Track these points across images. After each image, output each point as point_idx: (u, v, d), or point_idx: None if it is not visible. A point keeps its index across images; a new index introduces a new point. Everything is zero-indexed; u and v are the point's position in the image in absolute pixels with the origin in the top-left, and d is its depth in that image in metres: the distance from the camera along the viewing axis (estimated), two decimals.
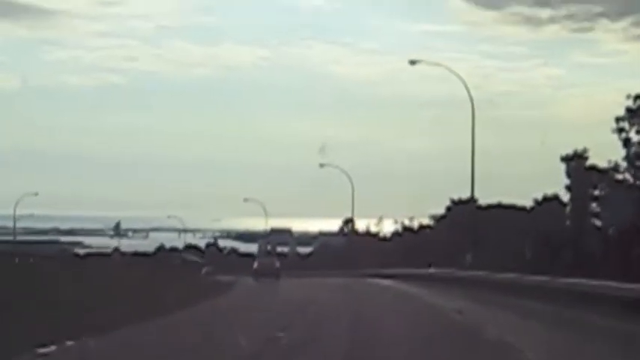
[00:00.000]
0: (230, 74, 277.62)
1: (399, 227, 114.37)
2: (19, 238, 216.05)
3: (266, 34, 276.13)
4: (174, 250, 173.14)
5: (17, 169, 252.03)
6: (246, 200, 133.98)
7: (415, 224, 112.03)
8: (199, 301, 40.94)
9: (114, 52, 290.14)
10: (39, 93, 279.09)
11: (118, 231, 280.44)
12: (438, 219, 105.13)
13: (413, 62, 66.25)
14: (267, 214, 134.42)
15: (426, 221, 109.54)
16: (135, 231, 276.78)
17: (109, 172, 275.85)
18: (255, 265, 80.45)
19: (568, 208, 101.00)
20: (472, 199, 69.91)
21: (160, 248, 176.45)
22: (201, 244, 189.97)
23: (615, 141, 68.49)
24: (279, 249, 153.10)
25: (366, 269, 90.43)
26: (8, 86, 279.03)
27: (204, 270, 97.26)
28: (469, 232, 70.43)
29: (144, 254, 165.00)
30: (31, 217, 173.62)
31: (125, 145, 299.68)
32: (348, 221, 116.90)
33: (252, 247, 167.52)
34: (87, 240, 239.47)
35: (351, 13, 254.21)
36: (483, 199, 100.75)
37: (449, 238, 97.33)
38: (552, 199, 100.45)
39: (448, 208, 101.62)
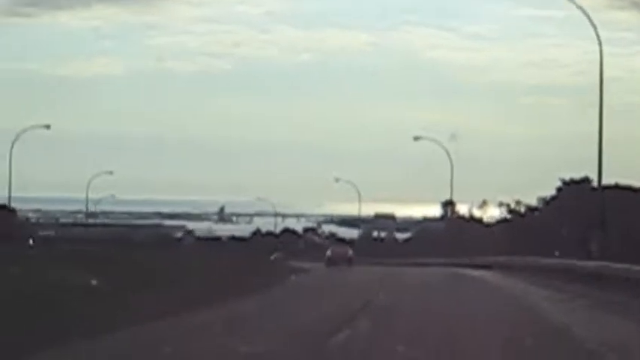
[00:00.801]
0: (334, 59, 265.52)
1: (504, 211, 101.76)
2: (125, 222, 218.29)
3: (371, 19, 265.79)
4: (270, 234, 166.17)
5: (119, 154, 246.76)
6: (337, 180, 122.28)
7: (522, 208, 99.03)
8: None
9: (219, 38, 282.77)
10: (143, 78, 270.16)
11: (222, 215, 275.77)
12: (548, 201, 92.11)
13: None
14: (362, 199, 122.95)
15: (534, 204, 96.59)
16: (239, 215, 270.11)
17: (212, 157, 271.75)
18: (329, 252, 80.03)
19: None
20: (598, 178, 54.26)
21: (256, 232, 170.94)
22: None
23: None
24: (381, 234, 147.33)
25: (466, 257, 78.22)
26: (119, 71, 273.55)
27: (273, 256, 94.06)
28: (593, 214, 56.78)
29: (241, 239, 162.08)
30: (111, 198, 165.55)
31: (229, 131, 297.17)
32: (448, 203, 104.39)
33: (355, 233, 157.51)
34: (191, 225, 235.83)
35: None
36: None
37: (562, 222, 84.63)
38: None
39: (559, 189, 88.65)
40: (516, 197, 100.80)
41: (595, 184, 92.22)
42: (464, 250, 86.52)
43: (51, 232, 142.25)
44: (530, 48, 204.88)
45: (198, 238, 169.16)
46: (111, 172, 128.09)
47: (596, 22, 47.22)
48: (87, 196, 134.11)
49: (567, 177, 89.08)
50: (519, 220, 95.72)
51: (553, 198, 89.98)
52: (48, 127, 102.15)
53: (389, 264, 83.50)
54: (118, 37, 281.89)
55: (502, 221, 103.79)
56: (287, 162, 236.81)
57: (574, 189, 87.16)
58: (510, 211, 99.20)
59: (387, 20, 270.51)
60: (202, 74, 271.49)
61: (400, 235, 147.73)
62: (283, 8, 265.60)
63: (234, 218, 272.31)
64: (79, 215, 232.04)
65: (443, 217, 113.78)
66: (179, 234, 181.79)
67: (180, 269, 42.33)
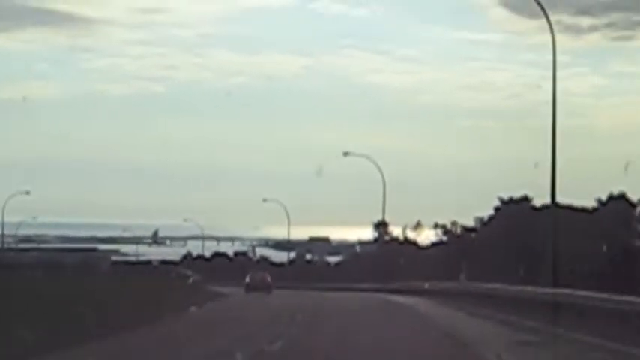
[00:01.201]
0: (270, 83, 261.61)
1: (439, 232, 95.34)
2: (58, 245, 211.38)
3: (306, 43, 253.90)
4: (200, 257, 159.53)
5: (50, 177, 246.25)
6: (265, 201, 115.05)
7: (458, 229, 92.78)
8: None
9: (154, 61, 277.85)
10: (78, 102, 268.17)
11: (155, 239, 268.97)
12: (485, 222, 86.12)
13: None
14: (298, 222, 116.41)
15: (471, 224, 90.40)
16: (173, 239, 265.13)
17: (146, 180, 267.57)
18: (247, 279, 79.12)
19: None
20: (553, 203, 46.07)
21: (187, 256, 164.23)
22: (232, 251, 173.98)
23: None
24: (311, 257, 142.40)
25: (398, 281, 71.97)
26: (54, 94, 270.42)
27: (190, 279, 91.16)
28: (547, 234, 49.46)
29: (172, 262, 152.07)
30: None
31: (163, 154, 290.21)
32: (380, 224, 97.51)
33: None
34: (124, 248, 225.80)
35: (392, 22, 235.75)
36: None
37: (500, 243, 78.76)
38: (618, 199, 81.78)
39: (497, 209, 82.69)
40: (452, 219, 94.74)
41: (534, 203, 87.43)
42: (396, 274, 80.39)
43: None
44: (465, 70, 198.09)
45: (127, 262, 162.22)
46: (28, 193, 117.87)
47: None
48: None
49: (506, 197, 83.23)
50: (455, 241, 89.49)
51: (491, 218, 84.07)
52: None
53: (316, 288, 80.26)
54: (53, 60, 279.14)
55: (437, 243, 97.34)
56: (221, 185, 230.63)
57: (513, 208, 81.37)
58: (446, 232, 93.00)
59: (322, 44, 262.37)
60: (137, 97, 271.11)
61: (332, 259, 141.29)
62: (217, 32, 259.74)
63: (167, 242, 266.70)
64: (9, 240, 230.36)
65: (376, 240, 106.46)
66: (114, 257, 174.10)
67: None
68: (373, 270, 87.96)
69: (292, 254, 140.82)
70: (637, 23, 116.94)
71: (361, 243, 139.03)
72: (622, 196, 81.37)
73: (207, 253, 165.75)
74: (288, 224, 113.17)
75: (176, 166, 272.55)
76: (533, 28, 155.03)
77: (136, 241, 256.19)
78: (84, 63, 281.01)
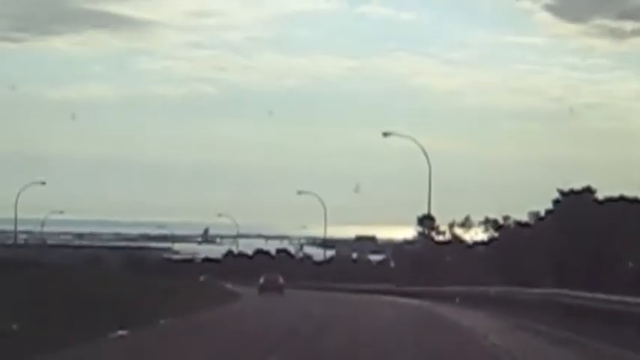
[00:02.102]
0: (317, 85, 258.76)
1: (490, 228, 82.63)
2: (112, 244, 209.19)
3: (354, 46, 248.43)
4: (243, 255, 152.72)
5: (107, 177, 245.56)
6: (299, 193, 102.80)
7: (511, 225, 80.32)
8: None
9: (205, 63, 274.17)
10: (132, 103, 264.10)
11: (206, 237, 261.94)
12: (542, 217, 73.61)
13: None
14: (346, 222, 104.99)
15: (524, 219, 77.74)
16: (223, 237, 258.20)
17: (196, 180, 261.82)
18: (261, 280, 77.24)
19: None
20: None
21: (228, 254, 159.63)
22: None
23: None
24: (354, 255, 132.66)
25: (438, 284, 59.82)
26: (109, 95, 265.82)
27: (202, 277, 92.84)
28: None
29: (214, 260, 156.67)
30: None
31: (213, 154, 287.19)
32: (425, 218, 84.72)
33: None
34: (176, 246, 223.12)
35: (438, 25, 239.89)
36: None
37: (558, 239, 66.55)
38: None
39: (556, 201, 70.19)
40: (504, 213, 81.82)
41: (598, 195, 75.04)
42: (443, 274, 68.49)
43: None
44: (510, 73, 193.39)
45: (174, 261, 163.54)
46: (43, 183, 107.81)
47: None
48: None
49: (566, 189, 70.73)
50: (509, 237, 76.71)
51: (549, 212, 71.46)
52: None
53: (347, 290, 71.47)
54: (108, 62, 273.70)
55: (489, 241, 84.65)
56: (270, 185, 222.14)
57: (572, 200, 69.05)
58: (498, 227, 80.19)
59: (369, 47, 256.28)
60: (189, 98, 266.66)
61: (374, 257, 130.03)
62: (266, 35, 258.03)
63: (217, 239, 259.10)
64: (67, 237, 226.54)
65: (421, 234, 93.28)
66: (165, 255, 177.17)
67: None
68: (414, 270, 76.29)
69: (332, 252, 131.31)
70: None
71: (407, 242, 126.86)
72: None
73: (250, 251, 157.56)
74: (325, 221, 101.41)
75: (226, 165, 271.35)
76: (575, 32, 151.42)
77: (187, 239, 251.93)
78: (138, 65, 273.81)
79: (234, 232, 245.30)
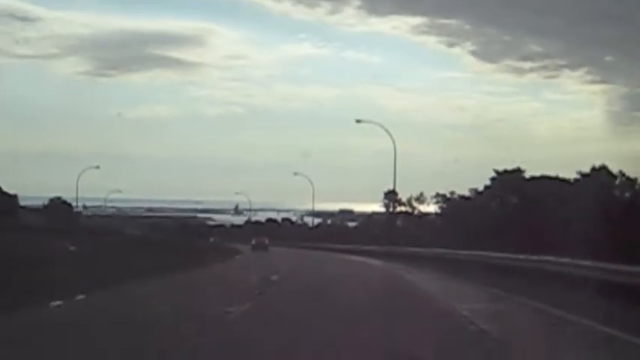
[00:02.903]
0: (316, 107, 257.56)
1: (440, 201, 72.24)
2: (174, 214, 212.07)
3: (338, 78, 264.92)
4: (257, 222, 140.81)
5: (166, 169, 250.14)
6: (295, 174, 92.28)
7: (456, 198, 69.90)
8: None
9: (237, 91, 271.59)
10: (186, 119, 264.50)
11: (236, 210, 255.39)
12: (481, 192, 63.12)
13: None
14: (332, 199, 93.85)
15: (467, 194, 67.28)
16: (249, 210, 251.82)
17: (227, 172, 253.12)
18: (253, 241, 74.29)
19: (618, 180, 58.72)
20: None
21: (247, 221, 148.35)
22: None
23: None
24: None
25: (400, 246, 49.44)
26: (170, 114, 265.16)
27: (211, 239, 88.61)
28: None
29: (238, 226, 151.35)
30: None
31: (241, 153, 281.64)
32: (390, 192, 74.20)
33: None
34: (215, 216, 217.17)
35: (395, 65, 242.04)
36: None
37: (489, 210, 56.04)
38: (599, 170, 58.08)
39: (492, 179, 59.72)
40: (451, 189, 70.95)
41: (526, 175, 64.84)
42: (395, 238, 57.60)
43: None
44: (446, 98, 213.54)
45: (213, 226, 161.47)
46: (97, 167, 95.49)
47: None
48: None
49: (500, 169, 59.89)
50: (457, 209, 65.91)
51: (487, 187, 60.75)
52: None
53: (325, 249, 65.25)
54: (169, 91, 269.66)
55: (438, 213, 73.90)
56: (282, 173, 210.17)
57: (506, 178, 58.25)
58: (447, 200, 69.60)
59: (350, 79, 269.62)
60: (225, 116, 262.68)
61: (351, 224, 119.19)
62: (280, 71, 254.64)
63: (244, 212, 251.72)
64: (140, 210, 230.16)
65: (387, 207, 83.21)
66: (209, 222, 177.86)
67: None
68: (377, 234, 66.02)
69: (318, 220, 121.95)
70: (561, 66, 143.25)
71: (375, 213, 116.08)
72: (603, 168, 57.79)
73: (263, 220, 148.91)
74: (313, 199, 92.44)
75: (251, 163, 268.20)
76: (490, 69, 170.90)
77: (223, 212, 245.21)
78: (190, 92, 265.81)
79: (256, 207, 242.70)
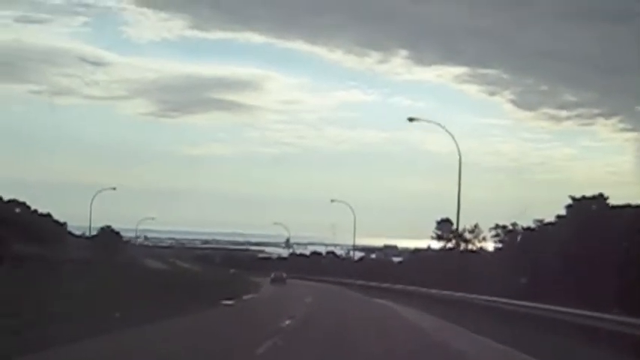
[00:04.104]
0: (364, 149, 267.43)
1: (500, 233, 59.18)
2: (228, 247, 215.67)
3: (386, 122, 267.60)
4: (302, 255, 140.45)
5: (226, 204, 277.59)
6: (332, 201, 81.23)
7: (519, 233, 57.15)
8: None
9: (290, 133, 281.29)
10: (243, 158, 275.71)
11: (287, 244, 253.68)
12: (552, 223, 50.60)
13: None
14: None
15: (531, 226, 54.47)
16: (298, 244, 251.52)
17: (285, 206, 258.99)
18: (272, 275, 73.89)
19: None
20: None
21: (292, 254, 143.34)
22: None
23: None
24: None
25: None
26: (227, 152, 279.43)
27: (232, 270, 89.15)
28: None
29: (283, 258, 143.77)
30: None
31: (295, 191, 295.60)
32: (444, 221, 61.55)
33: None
34: (267, 249, 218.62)
35: (441, 112, 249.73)
36: None
37: (566, 241, 43.61)
38: None
39: (568, 206, 47.26)
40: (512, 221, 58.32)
41: (611, 201, 51.92)
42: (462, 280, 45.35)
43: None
44: (485, 142, 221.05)
45: (262, 258, 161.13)
46: (114, 189, 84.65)
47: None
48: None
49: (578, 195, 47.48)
50: (514, 243, 53.66)
51: (560, 217, 48.28)
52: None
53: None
54: (227, 131, 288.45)
55: (499, 248, 60.89)
56: (327, 211, 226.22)
57: (586, 205, 45.95)
58: (509, 231, 56.85)
59: (397, 124, 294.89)
60: (279, 155, 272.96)
61: (396, 259, 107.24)
62: (330, 115, 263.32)
63: (294, 245, 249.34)
64: (197, 242, 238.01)
65: (439, 238, 69.80)
66: (260, 255, 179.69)
67: None
68: (427, 271, 53.83)
69: (361, 254, 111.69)
70: (595, 115, 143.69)
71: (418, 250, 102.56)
72: None
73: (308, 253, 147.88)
74: (354, 234, 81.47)
75: (302, 199, 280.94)
76: (529, 117, 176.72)
77: (275, 245, 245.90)
78: (246, 133, 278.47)
79: (305, 242, 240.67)
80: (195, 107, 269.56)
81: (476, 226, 65.48)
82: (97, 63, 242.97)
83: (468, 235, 63.85)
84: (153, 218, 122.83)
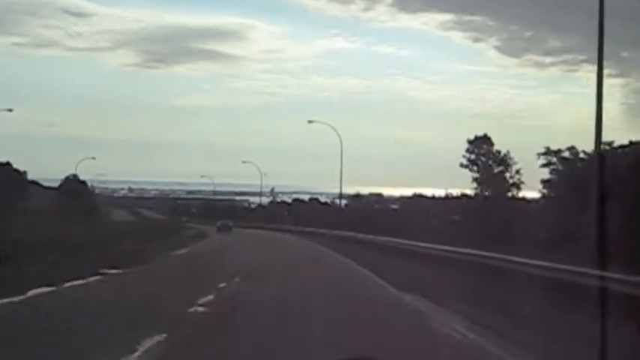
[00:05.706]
0: (345, 96, 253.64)
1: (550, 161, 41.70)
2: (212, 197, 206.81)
3: (369, 71, 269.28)
4: (284, 202, 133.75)
5: (211, 153, 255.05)
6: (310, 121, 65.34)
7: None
8: None
9: (273, 82, 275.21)
10: (226, 108, 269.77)
11: (272, 193, 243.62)
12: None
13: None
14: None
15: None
16: (283, 193, 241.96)
17: (269, 153, 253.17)
18: (218, 223, 74.01)
19: None
20: None
21: (272, 202, 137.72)
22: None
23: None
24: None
25: None
26: (210, 103, 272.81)
27: (184, 218, 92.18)
28: None
29: (264, 206, 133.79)
30: None
31: (275, 139, 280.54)
32: (478, 139, 43.48)
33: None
34: (252, 199, 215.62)
35: (424, 59, 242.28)
36: None
37: None
38: None
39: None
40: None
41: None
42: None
43: None
44: (470, 90, 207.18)
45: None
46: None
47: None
48: None
49: None
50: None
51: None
52: None
53: None
54: (211, 81, 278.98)
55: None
56: (316, 159, 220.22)
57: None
58: (564, 160, 39.13)
59: (379, 72, 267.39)
60: (262, 105, 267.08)
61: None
62: (312, 63, 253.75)
63: (279, 195, 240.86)
64: (181, 192, 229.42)
65: (471, 163, 51.51)
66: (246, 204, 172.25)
67: None
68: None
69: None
70: (581, 61, 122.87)
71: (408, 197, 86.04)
72: None
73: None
74: (340, 183, 66.11)
75: (277, 148, 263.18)
76: (513, 64, 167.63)
77: (261, 194, 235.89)
78: (230, 84, 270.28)
79: (290, 190, 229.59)
80: (180, 58, 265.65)
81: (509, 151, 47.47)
82: (80, 14, 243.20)
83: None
84: (93, 158, 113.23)
